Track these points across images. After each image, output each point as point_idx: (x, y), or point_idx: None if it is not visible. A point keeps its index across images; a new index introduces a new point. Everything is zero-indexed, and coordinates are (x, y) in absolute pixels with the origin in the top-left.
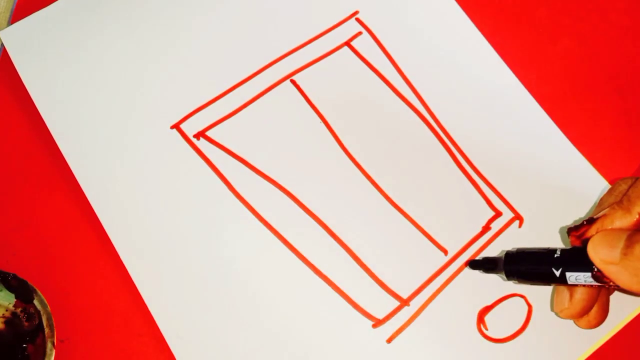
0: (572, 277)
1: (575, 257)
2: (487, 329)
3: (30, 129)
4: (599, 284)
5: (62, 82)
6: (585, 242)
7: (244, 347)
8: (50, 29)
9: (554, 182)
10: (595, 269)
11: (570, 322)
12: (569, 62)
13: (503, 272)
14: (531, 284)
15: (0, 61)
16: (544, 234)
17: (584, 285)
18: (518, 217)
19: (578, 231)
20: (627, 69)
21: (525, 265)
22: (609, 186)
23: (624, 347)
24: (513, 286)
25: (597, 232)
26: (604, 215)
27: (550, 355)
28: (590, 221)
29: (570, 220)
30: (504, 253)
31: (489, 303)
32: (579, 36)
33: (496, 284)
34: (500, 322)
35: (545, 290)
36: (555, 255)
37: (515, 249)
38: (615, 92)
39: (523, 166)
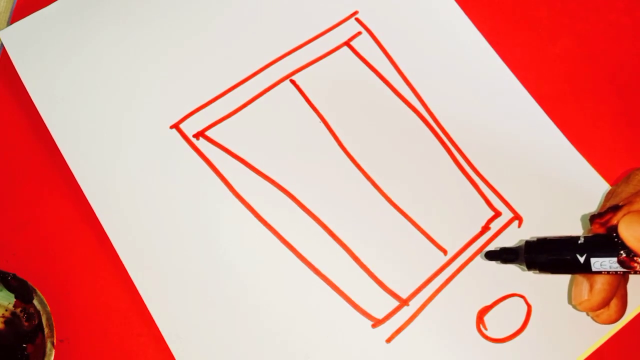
0: (596, 263)
1: (601, 242)
2: (486, 329)
3: (30, 129)
4: (623, 270)
5: (61, 82)
6: (610, 229)
7: (243, 347)
8: (50, 29)
9: (553, 182)
10: (622, 254)
11: (570, 321)
12: (569, 62)
13: (523, 263)
14: (551, 273)
15: (0, 61)
16: (544, 233)
17: (607, 273)
18: (517, 217)
19: (602, 218)
20: (626, 69)
21: (548, 253)
22: (609, 186)
23: (624, 347)
24: (513, 286)
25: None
26: (630, 202)
27: (549, 355)
28: (615, 208)
29: (569, 220)
30: (524, 242)
31: (489, 303)
32: (578, 36)
33: (496, 284)
34: (500, 322)
35: (545, 290)
36: (579, 242)
37: (535, 238)
38: (614, 92)
39: (522, 166)
